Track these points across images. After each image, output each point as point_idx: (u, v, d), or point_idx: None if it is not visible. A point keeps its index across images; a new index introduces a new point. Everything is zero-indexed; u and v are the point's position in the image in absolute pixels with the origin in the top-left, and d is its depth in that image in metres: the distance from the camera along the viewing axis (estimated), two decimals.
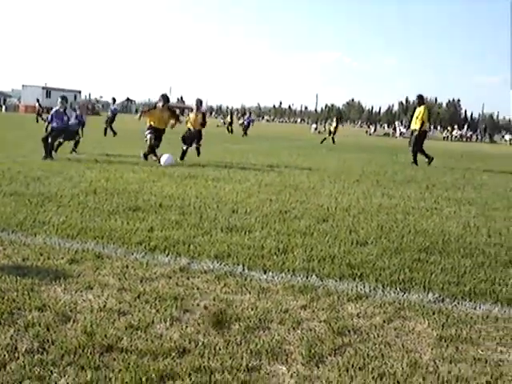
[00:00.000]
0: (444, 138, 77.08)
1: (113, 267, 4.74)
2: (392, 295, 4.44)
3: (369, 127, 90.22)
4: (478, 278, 4.99)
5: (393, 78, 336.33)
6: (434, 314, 4.09)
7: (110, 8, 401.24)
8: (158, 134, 14.35)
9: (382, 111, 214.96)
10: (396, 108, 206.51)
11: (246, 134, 37.46)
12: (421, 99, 18.15)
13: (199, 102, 15.81)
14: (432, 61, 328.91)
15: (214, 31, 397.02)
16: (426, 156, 17.91)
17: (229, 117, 44.51)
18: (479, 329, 3.89)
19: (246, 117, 43.16)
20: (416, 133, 17.85)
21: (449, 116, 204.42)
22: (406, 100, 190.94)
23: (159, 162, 13.57)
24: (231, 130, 40.29)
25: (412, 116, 18.52)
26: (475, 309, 4.27)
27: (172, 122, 14.67)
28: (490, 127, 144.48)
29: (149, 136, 14.19)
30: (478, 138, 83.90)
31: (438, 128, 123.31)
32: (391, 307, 4.17)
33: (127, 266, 4.78)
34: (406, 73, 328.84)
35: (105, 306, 3.86)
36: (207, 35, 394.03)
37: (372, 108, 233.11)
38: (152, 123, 14.36)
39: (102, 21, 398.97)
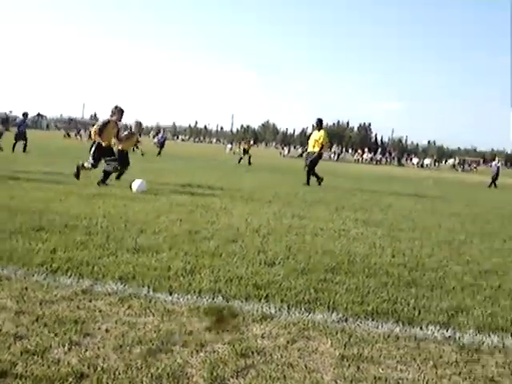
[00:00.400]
0: (355, 160, 79.29)
1: (11, 289, 4.54)
2: (297, 315, 4.47)
3: (283, 149, 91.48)
4: (381, 298, 5.12)
5: (306, 102, 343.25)
6: (337, 333, 4.15)
7: (15, 22, 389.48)
8: (107, 153, 13.01)
9: (296, 133, 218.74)
10: (309, 130, 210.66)
11: (160, 152, 36.97)
12: (320, 123, 18.71)
13: (139, 124, 15.26)
14: (343, 86, 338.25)
15: (128, 47, 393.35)
16: (318, 177, 18.64)
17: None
18: (380, 348, 3.97)
19: (159, 135, 42.61)
20: (314, 155, 18.48)
21: (360, 139, 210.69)
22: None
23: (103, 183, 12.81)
24: (138, 148, 38.55)
25: (308, 138, 19.10)
26: (377, 328, 4.36)
27: (114, 141, 13.67)
28: (399, 151, 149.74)
29: (90, 164, 12.88)
30: (387, 161, 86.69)
31: (350, 151, 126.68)
32: (295, 327, 4.20)
33: (26, 288, 4.59)
34: (317, 97, 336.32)
35: (0, 330, 3.69)
36: (120, 51, 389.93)
37: (287, 130, 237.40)
38: (102, 142, 12.97)
39: (8, 33, 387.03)
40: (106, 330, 3.85)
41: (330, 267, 6.14)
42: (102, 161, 13.15)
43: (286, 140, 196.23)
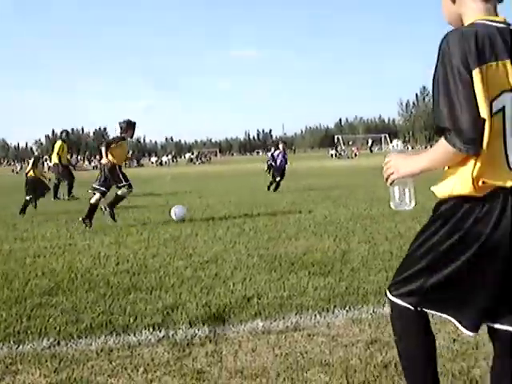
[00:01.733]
0: (93, 167, 77.96)
1: None
2: (5, 351, 4.22)
3: (15, 165, 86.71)
4: (97, 312, 5.05)
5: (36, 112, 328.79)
6: (47, 360, 3.99)
7: None
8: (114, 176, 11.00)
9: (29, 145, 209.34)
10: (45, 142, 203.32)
11: None
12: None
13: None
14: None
15: None
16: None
17: None
18: (92, 365, 3.91)
19: None
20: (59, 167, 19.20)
21: (98, 145, 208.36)
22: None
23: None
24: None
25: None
26: (91, 345, 4.29)
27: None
28: (139, 151, 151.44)
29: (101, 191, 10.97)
30: (126, 164, 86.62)
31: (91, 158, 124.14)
32: (2, 365, 3.95)
33: None
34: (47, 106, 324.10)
35: None
36: None
37: (18, 144, 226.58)
38: (115, 161, 11.03)
39: None
40: None
41: (48, 289, 5.93)
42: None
43: (20, 155, 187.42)
